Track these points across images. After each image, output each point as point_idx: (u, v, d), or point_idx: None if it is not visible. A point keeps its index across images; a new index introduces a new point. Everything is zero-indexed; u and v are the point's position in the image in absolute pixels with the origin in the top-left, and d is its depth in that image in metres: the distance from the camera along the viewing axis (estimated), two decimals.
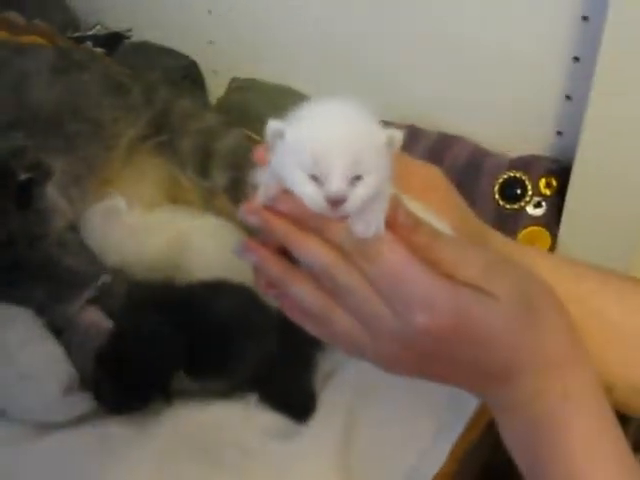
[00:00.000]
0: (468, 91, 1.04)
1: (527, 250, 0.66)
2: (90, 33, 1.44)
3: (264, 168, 0.56)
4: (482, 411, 0.84)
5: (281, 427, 0.86)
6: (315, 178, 0.52)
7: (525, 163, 1.02)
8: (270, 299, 0.60)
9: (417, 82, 1.09)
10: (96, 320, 0.88)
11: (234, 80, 1.32)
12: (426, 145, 1.05)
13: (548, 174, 1.01)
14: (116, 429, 0.84)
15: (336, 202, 0.51)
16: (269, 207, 0.55)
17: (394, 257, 0.51)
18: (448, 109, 1.07)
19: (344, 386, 0.89)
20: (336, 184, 0.51)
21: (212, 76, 1.38)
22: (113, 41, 1.42)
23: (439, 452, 0.83)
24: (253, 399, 0.89)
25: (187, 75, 1.36)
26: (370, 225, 0.52)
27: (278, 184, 0.54)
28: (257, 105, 1.27)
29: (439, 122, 1.07)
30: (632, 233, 0.88)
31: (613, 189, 0.86)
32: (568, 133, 0.97)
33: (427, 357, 0.54)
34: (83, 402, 0.85)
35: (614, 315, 0.64)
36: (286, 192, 0.54)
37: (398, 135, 0.54)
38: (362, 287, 0.53)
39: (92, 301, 0.89)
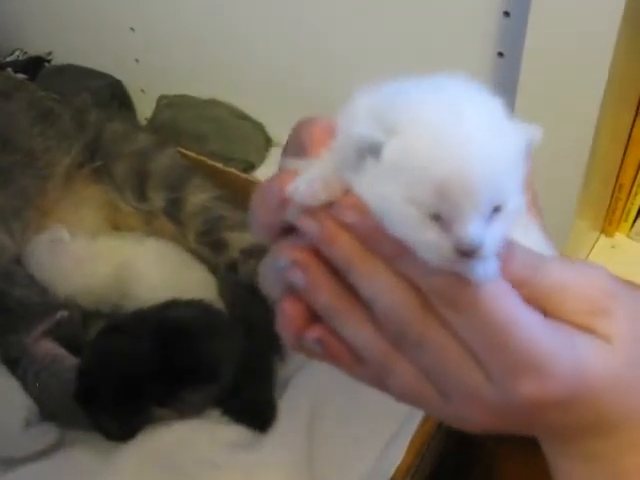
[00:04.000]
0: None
1: None
2: (9, 59, 1.47)
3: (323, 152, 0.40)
4: None
5: (245, 438, 0.92)
6: (437, 217, 0.36)
7: None
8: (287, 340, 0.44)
9: (348, 88, 1.14)
10: (50, 349, 0.92)
11: (162, 97, 1.36)
12: None
13: None
14: (83, 457, 0.89)
15: (471, 253, 0.36)
16: (330, 214, 0.40)
17: (496, 307, 0.39)
18: None
19: (303, 391, 0.95)
20: (474, 228, 0.36)
21: (140, 95, 1.41)
22: (34, 66, 1.45)
23: (398, 447, 0.88)
24: (214, 415, 0.95)
25: (114, 96, 1.39)
26: (488, 268, 0.38)
27: (341, 182, 0.39)
28: (188, 121, 1.31)
29: None
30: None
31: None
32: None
33: (519, 422, 0.44)
34: (46, 434, 0.90)
35: None
36: (353, 196, 0.39)
37: (538, 133, 0.40)
38: (441, 341, 0.41)
39: (46, 333, 0.93)
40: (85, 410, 0.90)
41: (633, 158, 0.98)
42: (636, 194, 1.01)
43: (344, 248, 0.40)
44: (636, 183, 1.00)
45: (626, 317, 0.42)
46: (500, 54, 0.97)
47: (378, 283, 0.40)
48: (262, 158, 1.28)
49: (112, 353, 0.93)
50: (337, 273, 0.42)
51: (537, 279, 0.41)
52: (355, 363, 0.44)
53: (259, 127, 1.30)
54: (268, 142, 1.31)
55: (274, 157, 1.26)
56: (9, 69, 1.43)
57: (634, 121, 0.96)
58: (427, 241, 0.37)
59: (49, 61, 1.47)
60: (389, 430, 0.90)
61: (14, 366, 0.93)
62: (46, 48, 1.48)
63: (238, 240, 1.04)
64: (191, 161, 1.16)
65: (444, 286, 0.39)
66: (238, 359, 0.93)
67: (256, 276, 1.05)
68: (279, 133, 1.28)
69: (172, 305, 0.97)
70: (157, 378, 0.90)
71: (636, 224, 1.04)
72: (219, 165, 1.18)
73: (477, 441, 0.57)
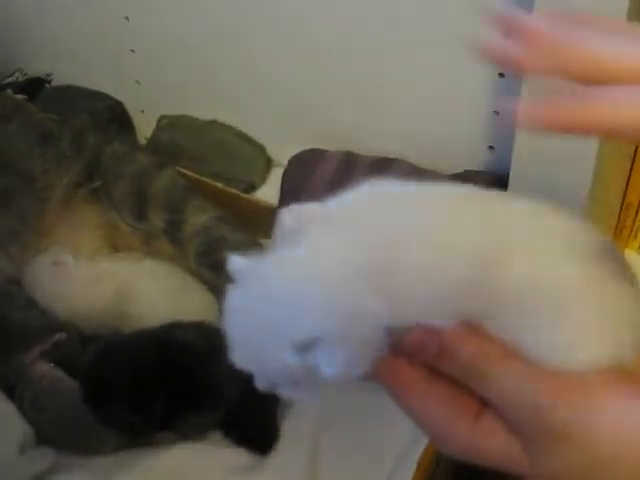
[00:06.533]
0: (399, 114, 1.10)
1: None
2: (9, 80, 1.47)
3: None
4: None
5: (246, 461, 0.91)
6: None
7: (463, 178, 1.08)
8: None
9: (348, 109, 1.14)
10: (47, 371, 0.92)
11: (163, 118, 1.36)
12: (364, 170, 1.10)
13: (486, 186, 1.06)
14: None
15: None
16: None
17: None
18: (380, 134, 1.12)
19: (305, 415, 0.94)
20: None
21: (140, 116, 1.41)
22: (34, 87, 1.45)
23: (405, 473, 0.87)
24: (215, 437, 0.94)
25: (114, 116, 1.38)
26: None
27: None
28: (188, 141, 1.32)
29: (373, 147, 1.12)
30: None
31: (550, 196, 0.92)
32: (499, 147, 1.04)
33: None
34: (41, 458, 0.89)
35: None
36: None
37: None
38: None
39: (43, 355, 0.92)
40: (98, 412, 0.89)
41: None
42: None
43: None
44: None
45: None
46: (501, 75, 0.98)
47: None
48: (263, 179, 1.28)
49: (117, 355, 0.93)
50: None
51: None
52: None
53: (260, 148, 1.30)
54: (269, 163, 1.30)
55: (275, 178, 1.25)
56: (9, 90, 1.43)
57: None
58: None
59: (49, 82, 1.47)
60: (394, 455, 0.89)
61: (11, 388, 0.93)
62: (46, 69, 1.48)
63: None
64: (191, 181, 1.15)
65: None
66: (240, 381, 0.92)
67: None
68: (280, 154, 1.28)
69: (173, 327, 0.96)
70: (158, 400, 0.90)
71: None
72: (219, 185, 1.17)
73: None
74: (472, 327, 0.42)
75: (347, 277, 0.40)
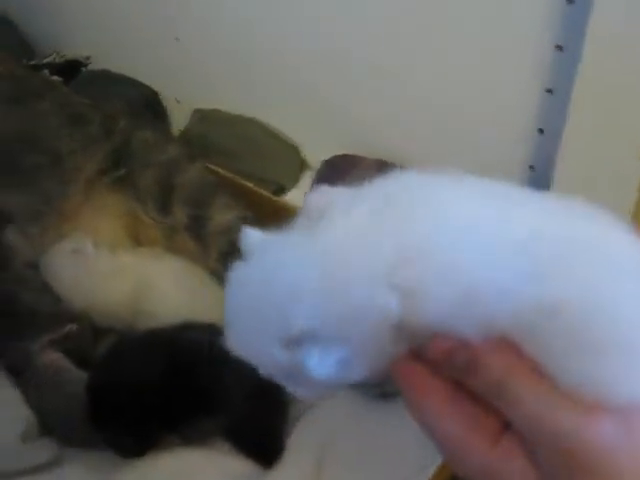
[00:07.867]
0: (438, 129, 1.07)
1: None
2: (46, 61, 1.46)
3: None
4: None
5: (249, 471, 0.88)
6: None
7: None
8: None
9: (384, 116, 1.12)
10: (55, 360, 0.90)
11: (197, 111, 1.34)
12: None
13: None
14: (81, 477, 0.86)
15: None
16: None
17: None
18: (416, 144, 1.10)
19: (312, 429, 0.91)
20: None
21: (175, 105, 1.40)
22: (71, 69, 1.44)
23: None
24: (220, 444, 0.91)
25: (148, 105, 1.38)
26: None
27: None
28: (220, 137, 1.30)
29: (406, 157, 1.10)
30: None
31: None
32: (540, 167, 1.01)
33: None
34: (43, 449, 0.87)
35: None
36: None
37: None
38: None
39: (53, 344, 0.91)
40: (98, 427, 0.87)
41: None
42: None
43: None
44: None
45: None
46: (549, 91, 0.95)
47: None
48: (294, 181, 1.25)
49: (123, 368, 0.90)
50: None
51: None
52: None
53: (294, 149, 1.27)
54: (303, 165, 1.28)
55: (307, 181, 1.23)
56: (45, 71, 1.42)
57: None
58: None
59: (87, 65, 1.46)
60: (401, 476, 0.86)
61: (17, 375, 0.91)
62: (85, 52, 1.47)
63: None
64: (220, 178, 1.13)
65: None
66: (249, 388, 0.90)
67: None
68: (315, 157, 1.25)
69: (184, 328, 0.94)
70: (166, 402, 0.88)
71: None
72: (249, 184, 1.14)
73: None
74: (505, 341, 0.38)
75: (360, 265, 0.35)
